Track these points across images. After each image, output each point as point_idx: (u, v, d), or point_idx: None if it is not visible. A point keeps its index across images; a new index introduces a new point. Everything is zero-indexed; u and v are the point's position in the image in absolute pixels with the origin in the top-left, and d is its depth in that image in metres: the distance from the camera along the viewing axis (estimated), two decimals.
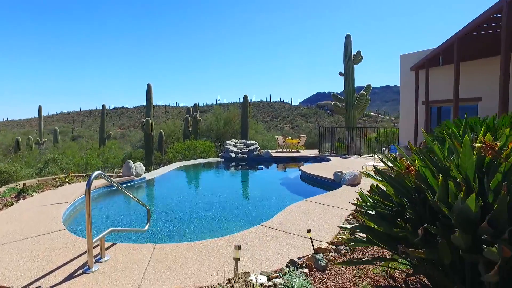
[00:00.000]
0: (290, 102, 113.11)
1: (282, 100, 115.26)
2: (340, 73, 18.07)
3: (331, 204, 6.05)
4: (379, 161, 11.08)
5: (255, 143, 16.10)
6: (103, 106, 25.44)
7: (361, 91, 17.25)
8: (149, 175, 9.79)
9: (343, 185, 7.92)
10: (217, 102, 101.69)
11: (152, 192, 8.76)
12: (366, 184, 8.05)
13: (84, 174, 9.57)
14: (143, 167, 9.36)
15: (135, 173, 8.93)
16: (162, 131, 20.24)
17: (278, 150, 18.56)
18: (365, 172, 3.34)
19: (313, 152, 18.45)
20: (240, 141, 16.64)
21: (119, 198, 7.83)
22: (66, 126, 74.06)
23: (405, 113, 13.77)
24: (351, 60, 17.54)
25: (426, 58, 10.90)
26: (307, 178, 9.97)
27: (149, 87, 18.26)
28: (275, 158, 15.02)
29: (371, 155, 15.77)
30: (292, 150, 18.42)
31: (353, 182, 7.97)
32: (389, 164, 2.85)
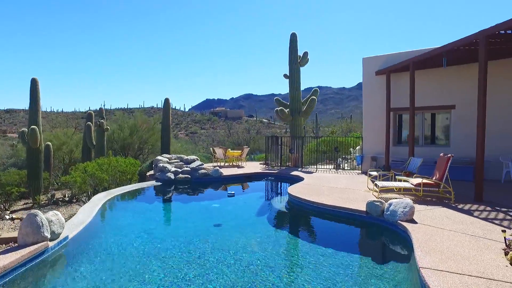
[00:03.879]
0: (182, 109, 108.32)
1: (174, 106, 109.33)
2: (285, 76, 16.13)
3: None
4: (377, 176, 9.28)
5: (197, 159, 12.57)
6: None
7: (311, 96, 15.64)
8: (70, 230, 5.50)
9: (400, 222, 5.61)
10: (103, 107, 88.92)
11: (87, 276, 4.45)
12: (421, 217, 5.90)
13: None
14: (62, 219, 5.11)
15: (49, 234, 4.67)
16: (49, 143, 14.43)
17: (216, 164, 15.31)
18: None
19: (255, 165, 15.96)
20: (175, 156, 12.81)
21: None
22: None
23: (370, 121, 12.60)
24: (297, 61, 15.78)
25: (413, 60, 9.72)
26: (312, 209, 7.29)
27: (34, 83, 12.38)
28: (226, 178, 11.87)
29: (329, 167, 14.23)
30: (233, 163, 15.51)
31: (410, 216, 5.74)
32: None
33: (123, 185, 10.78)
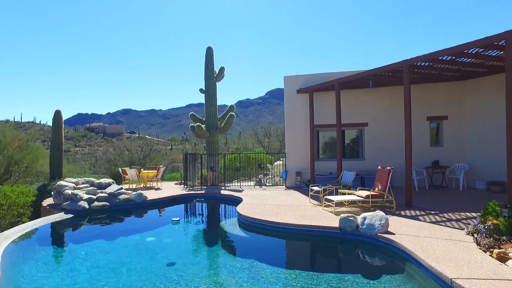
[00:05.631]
0: (49, 124, 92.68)
1: (39, 121, 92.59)
2: (201, 90, 15.43)
3: None
4: (319, 191, 9.56)
5: (112, 182, 10.54)
6: None
7: (230, 112, 15.33)
8: None
9: (380, 234, 5.78)
10: None
11: None
12: (394, 227, 6.20)
13: None
14: None
15: None
16: None
17: (127, 187, 13.22)
18: None
19: (171, 185, 14.55)
20: (82, 179, 10.44)
21: None
22: None
23: (292, 138, 13.07)
24: (213, 76, 15.32)
25: (338, 81, 10.62)
26: (279, 231, 6.87)
27: None
28: (151, 202, 10.33)
29: (250, 183, 14.08)
30: (146, 185, 13.72)
31: (387, 228, 5.99)
32: None
33: (11, 223, 8.08)
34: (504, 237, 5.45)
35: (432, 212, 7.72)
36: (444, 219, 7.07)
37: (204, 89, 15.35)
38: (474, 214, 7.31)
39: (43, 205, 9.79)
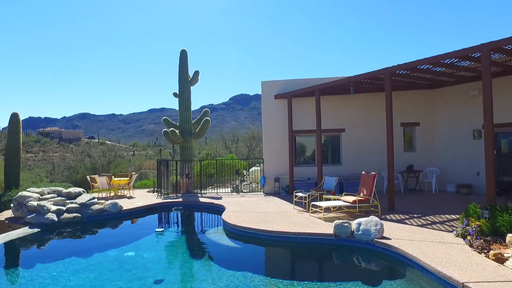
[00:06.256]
0: None
1: None
2: (175, 94, 14.86)
3: None
4: (303, 197, 9.48)
5: (83, 191, 9.71)
6: None
7: (205, 117, 14.88)
8: None
9: (377, 240, 5.78)
10: None
11: None
12: (387, 232, 6.22)
13: None
14: None
15: None
16: None
17: (96, 196, 12.29)
18: None
19: (143, 193, 13.83)
20: (48, 189, 9.50)
21: None
22: None
23: (270, 143, 12.94)
24: (187, 80, 14.84)
25: (318, 87, 10.70)
26: (273, 240, 6.65)
27: None
28: (127, 212, 9.65)
29: (226, 190, 13.74)
30: (117, 194, 12.87)
31: (382, 233, 6.01)
32: None
33: None
34: (489, 238, 5.68)
35: (415, 215, 7.93)
36: (428, 221, 7.28)
37: (178, 93, 14.82)
38: (454, 216, 7.63)
39: (0, 219, 8.76)
